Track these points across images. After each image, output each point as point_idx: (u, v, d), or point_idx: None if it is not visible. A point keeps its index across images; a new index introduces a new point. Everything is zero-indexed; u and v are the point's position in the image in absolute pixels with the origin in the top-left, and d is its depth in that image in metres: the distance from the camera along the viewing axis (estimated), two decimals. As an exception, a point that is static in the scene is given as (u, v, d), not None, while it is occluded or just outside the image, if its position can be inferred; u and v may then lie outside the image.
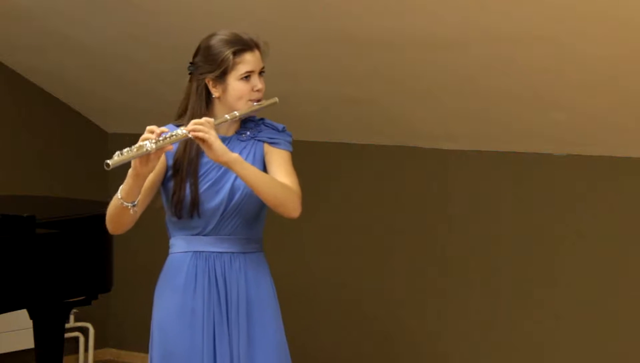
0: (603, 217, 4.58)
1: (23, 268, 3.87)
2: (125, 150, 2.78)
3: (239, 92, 3.00)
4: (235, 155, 2.89)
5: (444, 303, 4.99)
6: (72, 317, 5.70)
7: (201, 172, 3.01)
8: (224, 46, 3.01)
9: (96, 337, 5.86)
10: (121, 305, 6.03)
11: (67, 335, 5.07)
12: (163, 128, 2.87)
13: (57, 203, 4.91)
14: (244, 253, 3.06)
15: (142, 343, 6.09)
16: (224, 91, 3.01)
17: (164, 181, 3.04)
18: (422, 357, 5.06)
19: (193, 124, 2.86)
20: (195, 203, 2.99)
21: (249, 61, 3.01)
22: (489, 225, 4.86)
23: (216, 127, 2.92)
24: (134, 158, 2.79)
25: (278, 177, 2.99)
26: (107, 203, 4.79)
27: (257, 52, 3.03)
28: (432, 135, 4.89)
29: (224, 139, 2.98)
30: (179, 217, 3.03)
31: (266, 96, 3.08)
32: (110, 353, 6.13)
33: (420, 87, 4.53)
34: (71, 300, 4.17)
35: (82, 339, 5.83)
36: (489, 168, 4.85)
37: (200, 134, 2.85)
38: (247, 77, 3.00)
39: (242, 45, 3.00)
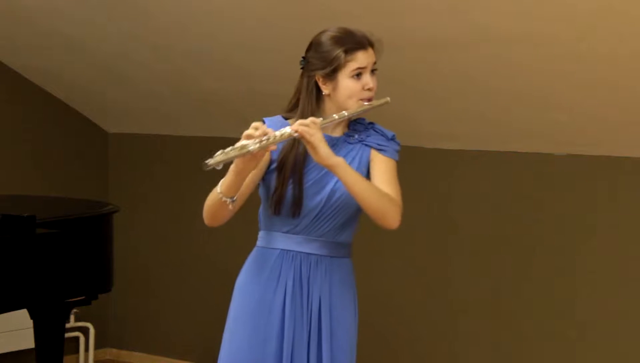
0: (603, 217, 4.58)
1: (23, 268, 3.87)
2: (228, 149, 2.72)
3: (349, 90, 2.94)
4: (339, 159, 2.83)
5: (444, 302, 4.99)
6: (72, 317, 5.71)
7: (304, 171, 2.94)
8: (335, 43, 2.94)
9: (96, 337, 5.86)
10: (121, 305, 6.04)
11: (67, 335, 5.08)
12: (268, 129, 2.78)
13: (57, 203, 4.91)
14: (330, 257, 3.00)
15: (142, 343, 6.11)
16: (334, 88, 2.95)
17: (265, 174, 2.97)
18: (423, 357, 5.06)
19: (299, 124, 2.80)
20: (298, 203, 2.92)
21: (360, 58, 2.94)
22: (490, 224, 4.86)
23: (323, 127, 2.86)
24: (235, 157, 2.73)
25: (379, 184, 2.92)
26: (107, 203, 4.81)
27: (369, 50, 2.96)
28: (432, 135, 4.90)
29: (331, 140, 2.93)
30: (278, 214, 2.96)
31: (378, 95, 2.99)
32: (110, 353, 6.13)
33: (420, 87, 4.53)
34: (71, 300, 4.16)
35: (82, 339, 5.83)
36: (490, 167, 4.85)
37: (305, 136, 2.78)
38: (358, 75, 2.94)
39: (354, 43, 2.94)
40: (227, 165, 2.80)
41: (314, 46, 2.99)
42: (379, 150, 3.00)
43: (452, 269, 4.97)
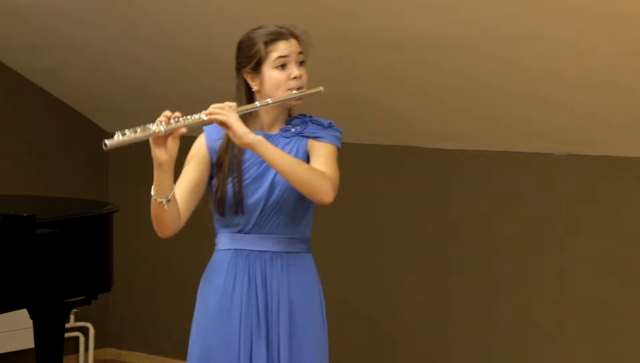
0: (603, 217, 4.58)
1: (23, 268, 3.87)
2: (127, 130, 2.72)
3: (275, 80, 2.94)
4: (258, 136, 2.82)
5: (445, 302, 4.99)
6: (72, 317, 5.71)
7: (243, 168, 2.95)
8: (256, 38, 2.97)
9: (96, 337, 5.86)
10: (121, 305, 6.04)
11: (67, 335, 5.08)
12: (177, 113, 2.80)
13: (57, 203, 4.91)
14: (287, 252, 2.98)
15: (142, 343, 6.11)
16: (262, 82, 2.96)
17: (210, 180, 2.99)
18: (423, 357, 5.06)
19: (212, 107, 2.82)
20: (239, 200, 2.92)
21: (282, 48, 2.95)
22: (490, 225, 4.86)
23: (245, 113, 2.87)
24: (137, 140, 2.72)
25: (317, 166, 2.90)
26: (107, 203, 4.80)
27: (292, 40, 2.97)
28: (432, 135, 4.89)
29: (268, 137, 2.93)
30: (222, 214, 2.97)
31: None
32: (110, 353, 6.13)
33: (420, 87, 4.52)
34: (71, 299, 4.16)
35: (82, 339, 5.83)
36: (490, 167, 4.85)
37: (218, 117, 2.80)
38: (282, 65, 2.95)
39: (274, 35, 2.96)
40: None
41: (238, 46, 3.03)
42: (316, 138, 2.98)
43: (452, 269, 4.96)
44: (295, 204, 2.96)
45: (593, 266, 4.60)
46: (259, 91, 2.98)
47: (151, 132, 2.72)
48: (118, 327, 6.12)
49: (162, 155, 2.77)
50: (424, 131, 4.88)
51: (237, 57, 3.02)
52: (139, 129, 2.72)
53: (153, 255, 5.99)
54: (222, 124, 2.81)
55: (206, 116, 2.81)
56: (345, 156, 5.27)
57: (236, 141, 2.82)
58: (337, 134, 3.02)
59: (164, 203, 2.83)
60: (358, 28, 4.22)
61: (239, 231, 2.98)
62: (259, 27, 3.01)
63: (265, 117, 3.00)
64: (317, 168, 2.89)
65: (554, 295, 4.70)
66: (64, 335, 4.17)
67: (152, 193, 2.84)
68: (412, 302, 5.08)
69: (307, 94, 2.98)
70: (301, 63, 2.99)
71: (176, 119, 2.76)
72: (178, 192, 2.91)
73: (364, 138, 5.11)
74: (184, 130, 2.77)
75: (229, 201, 2.95)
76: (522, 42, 3.96)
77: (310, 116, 3.05)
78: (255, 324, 2.94)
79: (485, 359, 4.88)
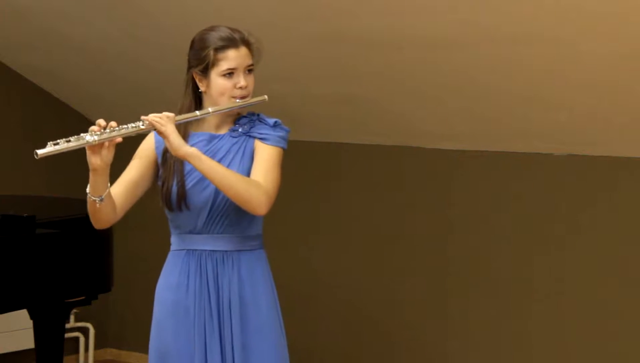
0: (603, 217, 4.58)
1: (23, 268, 3.87)
2: (61, 140, 2.76)
3: (220, 88, 2.97)
4: (192, 149, 2.86)
5: (445, 303, 4.99)
6: (72, 317, 5.71)
7: (187, 169, 2.97)
8: (207, 41, 2.98)
9: (96, 337, 5.86)
10: (121, 305, 6.03)
11: (67, 335, 5.08)
12: (113, 123, 2.83)
13: (57, 203, 4.91)
14: (238, 251, 3.01)
15: (142, 343, 6.09)
16: (208, 86, 2.99)
17: (157, 179, 3.04)
18: (423, 358, 5.06)
19: (151, 116, 2.86)
20: (182, 196, 2.96)
21: (231, 58, 2.96)
22: (489, 225, 4.86)
23: (184, 122, 2.92)
24: (69, 149, 2.76)
25: (255, 173, 2.93)
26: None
27: (242, 49, 2.98)
28: (432, 135, 4.89)
29: (214, 137, 2.98)
30: (170, 210, 3.02)
31: (257, 93, 3.02)
32: (110, 353, 6.13)
33: (420, 87, 4.52)
34: (71, 300, 4.16)
35: (82, 339, 5.83)
36: (490, 167, 4.85)
37: (156, 125, 2.84)
38: (230, 74, 2.97)
39: (225, 42, 2.97)
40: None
41: (191, 45, 3.04)
42: (262, 139, 2.99)
43: (452, 269, 4.96)
44: None
45: (593, 266, 4.60)
46: (205, 92, 3.01)
47: (84, 141, 2.76)
48: (118, 327, 6.12)
49: (96, 161, 2.82)
50: (424, 131, 4.88)
51: (189, 55, 3.04)
52: (72, 139, 2.76)
53: (153, 255, 5.97)
54: (160, 133, 2.85)
55: (143, 125, 2.85)
56: (345, 156, 5.29)
57: (172, 152, 2.87)
58: (283, 134, 3.03)
59: (97, 201, 2.88)
60: (358, 28, 4.22)
61: (190, 232, 3.02)
62: (213, 29, 3.01)
63: (212, 118, 3.03)
64: (257, 174, 2.92)
65: (553, 295, 4.70)
66: (64, 335, 4.17)
67: (87, 190, 2.89)
68: (411, 302, 5.08)
69: (251, 103, 3.01)
70: (249, 71, 3.01)
71: (111, 129, 2.80)
72: (118, 187, 2.98)
73: (364, 138, 5.11)
74: (119, 139, 2.81)
75: (173, 199, 2.99)
76: (522, 42, 3.96)
77: (258, 114, 3.07)
78: (209, 322, 2.97)
79: (485, 359, 4.88)
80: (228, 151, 2.98)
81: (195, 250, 3.02)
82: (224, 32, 2.98)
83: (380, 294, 5.16)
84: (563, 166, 4.66)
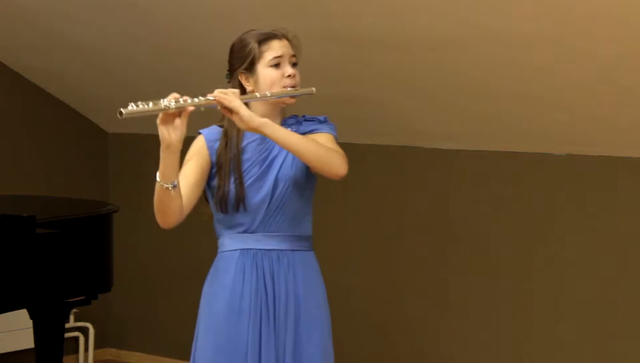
0: (603, 217, 4.58)
1: (23, 268, 3.87)
2: (140, 102, 2.71)
3: (269, 78, 2.97)
4: (264, 119, 2.83)
5: (444, 302, 4.99)
6: (72, 317, 5.71)
7: (244, 168, 2.97)
8: (248, 39, 3.01)
9: (96, 337, 5.86)
10: (121, 305, 6.04)
11: (67, 335, 5.08)
12: (185, 96, 2.79)
13: (57, 203, 4.91)
14: (292, 250, 3.02)
15: (142, 343, 6.11)
16: (256, 82, 2.98)
17: (209, 181, 3.01)
18: (422, 358, 5.06)
19: (217, 91, 2.83)
20: (240, 197, 2.95)
21: (275, 47, 2.99)
22: (490, 225, 4.86)
23: (247, 102, 2.89)
24: (149, 112, 2.71)
25: None
26: (107, 203, 4.80)
27: (284, 41, 3.01)
28: (432, 135, 4.89)
29: (263, 137, 2.95)
30: (225, 212, 2.98)
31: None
32: (110, 353, 6.13)
33: (420, 87, 4.53)
34: (71, 300, 4.17)
35: (82, 339, 5.83)
36: (490, 168, 4.85)
37: (224, 101, 2.81)
38: (276, 65, 2.98)
39: (266, 35, 3.00)
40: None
41: (231, 49, 3.06)
42: (314, 130, 3.01)
43: (451, 269, 4.96)
44: (298, 201, 3.01)
45: (593, 266, 4.60)
46: (253, 91, 2.99)
47: (162, 106, 2.72)
48: (118, 327, 6.12)
49: (170, 135, 2.76)
50: (423, 131, 4.88)
51: (230, 59, 3.05)
52: (151, 103, 2.72)
53: (153, 255, 5.99)
54: (227, 109, 2.82)
55: (213, 97, 2.81)
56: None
57: (242, 126, 2.83)
58: (333, 126, 3.07)
59: (170, 188, 2.81)
60: (358, 28, 4.22)
61: (245, 231, 3.00)
62: (248, 30, 3.05)
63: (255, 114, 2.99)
64: None
65: (553, 295, 4.70)
66: (63, 335, 4.18)
67: (158, 178, 2.82)
68: (410, 301, 5.08)
69: (302, 92, 3.01)
70: (294, 65, 3.02)
71: (184, 100, 2.76)
72: (181, 185, 2.89)
73: (364, 138, 5.11)
74: (192, 108, 2.77)
75: (231, 200, 2.96)
76: (522, 42, 3.96)
77: (304, 116, 3.08)
78: (265, 319, 2.97)
79: (485, 359, 4.88)
80: (281, 150, 2.97)
81: (250, 249, 3.00)
82: (261, 29, 3.03)
83: (379, 294, 5.15)
84: (563, 166, 4.66)
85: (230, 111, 2.82)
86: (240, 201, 2.96)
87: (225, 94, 2.83)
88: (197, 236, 5.75)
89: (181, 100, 2.75)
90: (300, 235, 3.05)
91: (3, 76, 5.61)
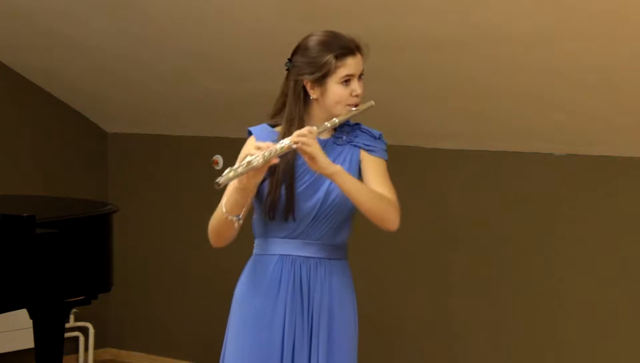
0: (603, 217, 4.58)
1: (23, 268, 3.87)
2: (235, 167, 2.75)
3: (338, 96, 2.94)
4: (338, 167, 2.84)
5: (444, 303, 4.99)
6: (72, 317, 5.71)
7: (297, 174, 2.95)
8: (325, 49, 2.94)
9: (96, 337, 5.86)
10: (121, 305, 6.04)
11: (67, 335, 5.08)
12: (268, 143, 2.81)
13: (57, 203, 4.91)
14: (329, 259, 3.01)
15: (142, 343, 6.11)
16: (322, 94, 2.95)
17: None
18: (421, 358, 5.06)
19: (297, 136, 2.81)
20: (291, 206, 2.93)
21: (350, 65, 2.95)
22: (489, 225, 4.86)
23: (307, 126, 2.89)
24: (243, 174, 2.76)
25: (374, 186, 2.94)
26: (106, 203, 4.80)
27: (358, 56, 2.98)
28: (432, 135, 4.90)
29: (320, 142, 2.92)
30: (272, 219, 2.96)
31: (369, 97, 3.02)
32: (110, 353, 6.13)
33: (420, 87, 4.53)
34: (71, 299, 4.16)
35: (82, 339, 5.83)
36: (489, 167, 4.85)
37: (305, 147, 2.80)
38: (346, 81, 2.95)
39: (344, 48, 2.95)
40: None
41: (302, 50, 2.99)
42: (368, 151, 3.01)
43: (451, 269, 4.96)
44: (346, 212, 2.99)
45: (593, 266, 4.60)
46: (316, 100, 2.96)
47: (254, 166, 2.76)
48: (118, 327, 6.12)
49: (249, 180, 2.80)
50: (423, 130, 4.88)
51: (297, 60, 2.98)
52: (244, 164, 2.76)
53: (153, 255, 5.99)
54: (306, 153, 2.81)
55: (294, 144, 2.81)
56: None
57: (314, 168, 2.84)
58: (385, 146, 3.05)
59: (234, 221, 2.87)
60: (358, 28, 4.20)
61: (285, 237, 2.98)
62: (325, 34, 2.98)
63: (315, 123, 2.95)
64: (376, 186, 2.94)
65: (553, 295, 4.70)
66: (64, 335, 4.18)
67: (224, 209, 2.86)
68: (410, 301, 5.08)
69: (364, 109, 3.01)
70: (360, 77, 3.00)
71: (270, 151, 2.78)
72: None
73: (364, 138, 5.10)
74: (276, 160, 2.81)
75: (281, 206, 2.94)
76: (522, 42, 3.96)
77: (359, 124, 3.06)
78: (299, 326, 2.95)
79: (485, 359, 4.88)
80: (335, 159, 2.96)
81: (289, 255, 2.98)
82: (342, 39, 2.97)
83: (379, 294, 5.15)
84: (563, 166, 4.66)
85: (307, 153, 2.82)
86: (290, 212, 2.94)
87: (305, 137, 2.81)
88: (197, 236, 5.75)
89: (266, 153, 2.77)
90: (338, 243, 3.03)
91: (3, 76, 5.61)
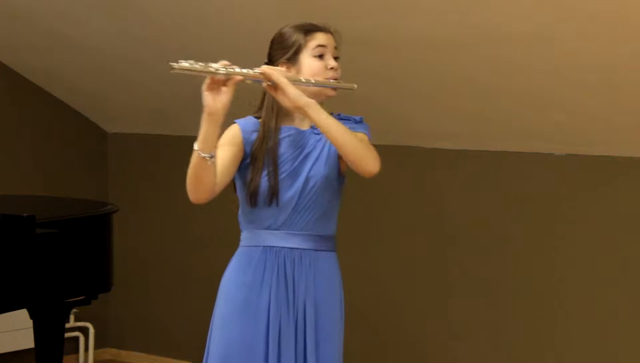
0: (603, 217, 4.58)
1: (23, 268, 3.87)
2: (192, 60, 2.70)
3: (312, 68, 2.95)
4: (311, 100, 2.80)
5: (443, 303, 4.99)
6: (72, 317, 5.71)
7: (279, 161, 2.95)
8: (294, 29, 3.00)
9: (96, 337, 5.86)
10: (121, 305, 6.04)
11: (67, 335, 5.08)
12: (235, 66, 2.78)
13: (57, 203, 4.91)
14: (315, 250, 2.99)
15: (142, 343, 6.11)
16: (298, 71, 2.95)
17: (240, 170, 2.97)
18: (420, 358, 5.06)
19: (264, 67, 2.81)
20: (275, 191, 2.92)
21: (320, 37, 2.98)
22: (489, 225, 4.86)
23: (291, 117, 2.90)
24: (198, 72, 2.71)
25: None
26: (106, 203, 4.80)
27: (329, 34, 3.00)
28: (431, 135, 4.90)
29: (301, 132, 2.95)
30: (254, 205, 2.95)
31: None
32: (110, 353, 6.14)
33: (419, 87, 4.53)
34: (71, 299, 4.16)
35: (82, 339, 5.83)
36: (489, 167, 4.85)
37: (272, 76, 2.78)
38: (320, 56, 2.96)
39: (313, 26, 3.00)
40: None
41: (273, 41, 3.03)
42: (350, 129, 2.96)
43: (451, 269, 4.96)
44: (326, 200, 2.99)
45: (593, 266, 4.60)
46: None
47: (211, 69, 2.72)
48: (118, 327, 6.12)
49: (214, 102, 2.76)
50: (423, 131, 4.88)
51: (271, 51, 3.01)
52: (201, 63, 2.72)
53: (153, 255, 5.99)
54: (275, 84, 2.78)
55: (261, 71, 2.80)
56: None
57: (287, 104, 2.80)
58: (368, 127, 3.04)
59: (207, 158, 2.78)
60: (357, 28, 4.22)
61: (268, 228, 2.98)
62: (297, 22, 3.04)
63: (298, 114, 2.95)
64: None
65: (553, 295, 4.70)
66: (64, 335, 4.17)
67: (196, 147, 2.79)
68: (410, 301, 5.08)
69: (344, 86, 2.99)
70: (336, 58, 3.01)
71: (234, 68, 2.75)
72: None
73: (363, 138, 5.10)
74: (239, 78, 2.75)
75: (262, 193, 2.94)
76: (522, 42, 3.96)
77: (339, 114, 3.04)
78: (285, 317, 2.95)
79: (485, 359, 4.88)
80: (314, 147, 2.96)
81: (273, 246, 2.97)
82: (306, 21, 3.03)
83: (378, 294, 5.15)
84: (563, 166, 4.66)
85: (276, 88, 2.79)
86: (275, 195, 2.93)
87: (273, 69, 2.80)
88: (197, 236, 5.75)
89: (230, 69, 2.73)
90: (325, 234, 3.01)
91: (3, 76, 5.62)
